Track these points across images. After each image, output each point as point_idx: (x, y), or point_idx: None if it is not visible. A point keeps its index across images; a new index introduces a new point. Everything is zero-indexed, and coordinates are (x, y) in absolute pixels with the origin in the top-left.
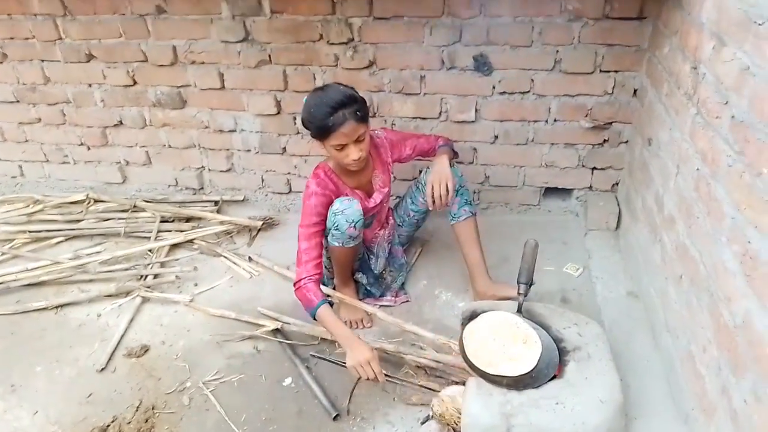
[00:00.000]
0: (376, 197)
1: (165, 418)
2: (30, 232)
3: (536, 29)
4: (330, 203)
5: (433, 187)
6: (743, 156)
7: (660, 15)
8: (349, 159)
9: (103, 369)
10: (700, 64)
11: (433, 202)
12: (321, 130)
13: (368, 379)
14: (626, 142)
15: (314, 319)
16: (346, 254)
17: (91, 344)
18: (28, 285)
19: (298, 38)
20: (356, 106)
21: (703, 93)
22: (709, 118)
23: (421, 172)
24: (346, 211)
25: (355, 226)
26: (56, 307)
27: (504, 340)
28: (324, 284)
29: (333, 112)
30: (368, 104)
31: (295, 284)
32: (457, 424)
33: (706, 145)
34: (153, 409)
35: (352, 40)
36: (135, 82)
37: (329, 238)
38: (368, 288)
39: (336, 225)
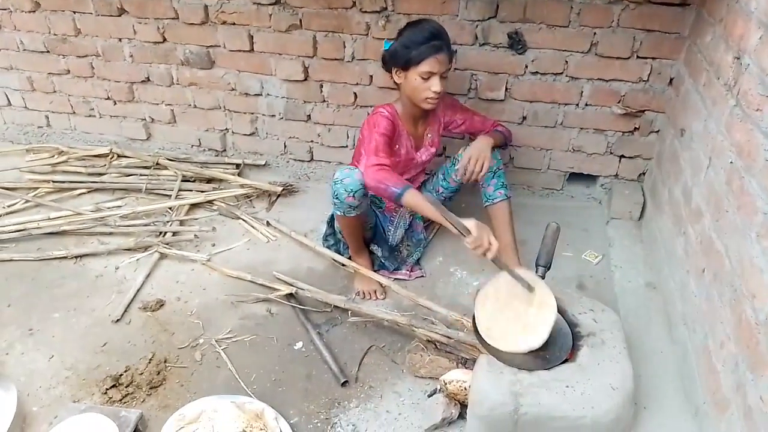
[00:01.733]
0: (422, 153)
1: (176, 372)
2: (54, 182)
3: (575, 9)
4: (393, 134)
5: (470, 160)
6: None
7: (704, 2)
8: (431, 91)
9: (118, 320)
10: (744, 55)
11: (464, 173)
12: (416, 54)
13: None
14: (657, 131)
15: (397, 200)
16: (350, 223)
17: (107, 295)
18: (50, 234)
19: (330, 4)
20: (449, 43)
21: (744, 84)
22: (749, 111)
23: (445, 148)
24: (345, 180)
25: (354, 196)
26: (76, 257)
27: (516, 309)
28: (340, 253)
29: (432, 39)
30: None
31: (373, 165)
32: (465, 401)
33: (743, 138)
34: (165, 362)
35: (385, 9)
36: (165, 39)
37: (333, 208)
38: (383, 261)
39: (335, 194)
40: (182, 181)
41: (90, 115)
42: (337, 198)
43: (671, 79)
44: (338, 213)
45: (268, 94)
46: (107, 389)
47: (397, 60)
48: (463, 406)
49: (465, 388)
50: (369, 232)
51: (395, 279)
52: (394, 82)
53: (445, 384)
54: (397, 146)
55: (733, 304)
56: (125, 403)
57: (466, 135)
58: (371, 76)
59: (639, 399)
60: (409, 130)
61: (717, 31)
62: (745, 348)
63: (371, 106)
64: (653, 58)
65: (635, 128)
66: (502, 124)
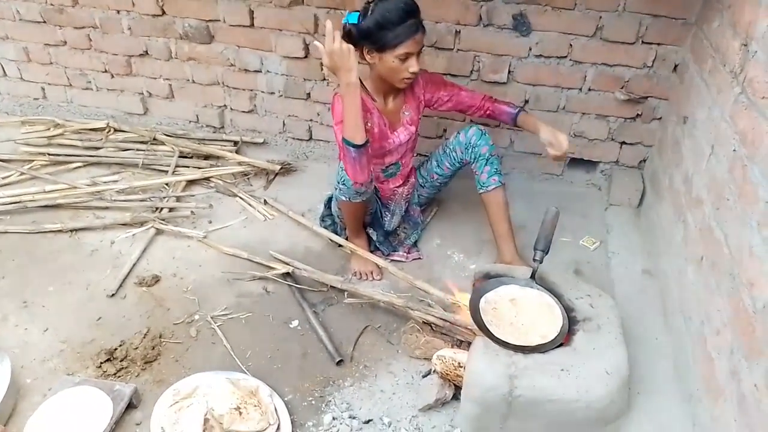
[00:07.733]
0: (401, 133)
1: (171, 347)
2: (49, 155)
3: None
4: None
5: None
6: None
7: None
8: (410, 71)
9: (113, 295)
10: (752, 41)
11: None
12: (393, 37)
13: None
14: (660, 118)
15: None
16: (356, 208)
17: (103, 270)
18: (45, 207)
19: None
20: (421, 17)
21: (751, 71)
22: (755, 98)
23: (445, 130)
24: None
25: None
26: (71, 230)
27: (528, 318)
28: (337, 234)
29: (408, 18)
30: None
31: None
32: (457, 381)
33: (747, 126)
34: (160, 337)
35: None
36: (164, 12)
37: (336, 192)
38: (378, 245)
39: (342, 180)
40: (179, 157)
41: (87, 88)
42: (343, 184)
43: (676, 66)
44: (343, 198)
45: (267, 71)
46: (102, 363)
47: (371, 41)
48: (458, 387)
49: (454, 365)
50: (368, 217)
51: (392, 260)
52: (364, 59)
53: (438, 368)
54: (369, 124)
55: (731, 292)
56: (120, 377)
57: (457, 113)
58: None
59: (633, 384)
60: (380, 108)
61: (724, 17)
62: (741, 336)
63: None
64: (658, 44)
65: (637, 114)
66: (495, 99)
